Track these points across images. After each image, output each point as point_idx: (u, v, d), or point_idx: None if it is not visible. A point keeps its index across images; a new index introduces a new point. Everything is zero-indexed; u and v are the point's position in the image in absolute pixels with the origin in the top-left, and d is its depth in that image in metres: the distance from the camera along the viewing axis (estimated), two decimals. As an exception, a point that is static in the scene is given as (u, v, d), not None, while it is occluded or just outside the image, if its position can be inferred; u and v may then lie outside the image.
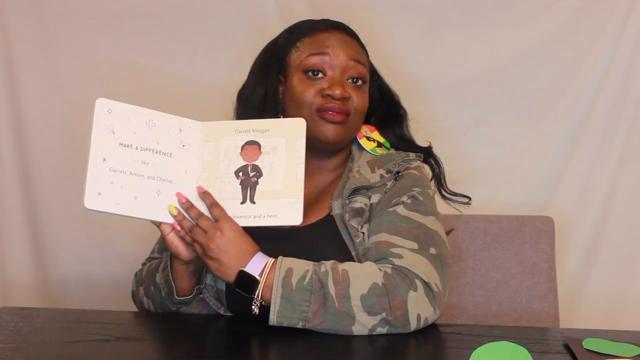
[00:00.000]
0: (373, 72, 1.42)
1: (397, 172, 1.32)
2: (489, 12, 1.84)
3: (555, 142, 1.84)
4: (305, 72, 1.33)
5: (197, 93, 1.92)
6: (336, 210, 1.29)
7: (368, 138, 1.39)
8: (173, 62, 1.92)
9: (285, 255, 1.20)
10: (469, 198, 1.42)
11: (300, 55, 1.35)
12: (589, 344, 1.07)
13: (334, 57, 1.33)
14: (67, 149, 1.93)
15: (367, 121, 1.41)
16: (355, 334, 1.15)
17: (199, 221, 1.19)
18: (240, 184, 1.22)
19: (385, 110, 1.43)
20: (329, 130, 1.31)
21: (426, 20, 1.85)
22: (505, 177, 1.85)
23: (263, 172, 1.22)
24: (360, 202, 1.29)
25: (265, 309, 1.17)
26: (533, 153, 1.86)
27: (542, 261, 1.62)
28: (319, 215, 1.31)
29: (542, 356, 1.05)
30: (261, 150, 1.22)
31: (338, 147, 1.36)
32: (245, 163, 1.22)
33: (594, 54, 1.81)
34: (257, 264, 1.18)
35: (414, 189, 1.29)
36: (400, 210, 1.26)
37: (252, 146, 1.22)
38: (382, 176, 1.32)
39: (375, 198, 1.30)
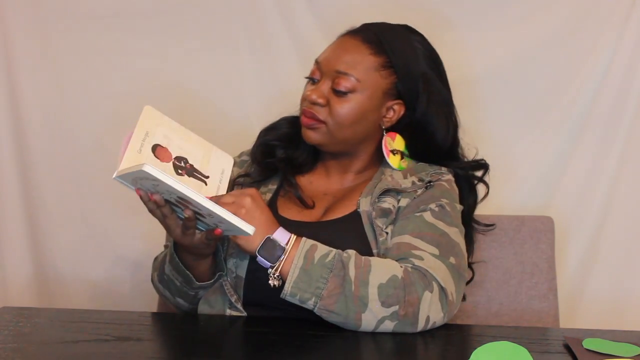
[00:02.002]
0: (406, 77, 1.36)
1: (429, 182, 1.34)
2: (488, 12, 1.84)
3: (555, 142, 1.84)
4: (309, 79, 1.39)
5: (197, 93, 1.92)
6: (363, 207, 1.31)
7: (393, 152, 1.39)
8: (173, 62, 1.92)
9: None
10: (493, 225, 1.52)
11: None
12: (589, 344, 1.07)
13: (323, 65, 1.36)
14: (66, 149, 1.93)
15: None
16: (362, 323, 1.15)
17: (223, 198, 1.19)
18: (189, 175, 1.21)
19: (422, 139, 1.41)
20: (303, 133, 1.37)
21: (426, 20, 1.84)
22: (505, 177, 1.85)
23: (185, 156, 1.22)
24: (389, 203, 1.32)
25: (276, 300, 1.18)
26: (533, 153, 1.85)
27: (542, 261, 1.62)
28: (344, 211, 1.34)
29: (542, 356, 1.05)
30: (163, 145, 1.21)
31: (329, 150, 1.39)
32: (170, 162, 1.20)
33: (594, 54, 1.81)
34: (282, 235, 1.19)
35: (442, 199, 1.32)
36: (427, 216, 1.28)
37: (157, 149, 1.20)
38: (413, 183, 1.35)
39: (403, 202, 1.32)
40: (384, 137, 1.39)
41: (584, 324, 1.79)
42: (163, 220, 1.18)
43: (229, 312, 1.30)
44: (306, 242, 1.19)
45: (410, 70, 1.36)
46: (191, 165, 1.21)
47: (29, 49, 1.92)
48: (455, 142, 1.43)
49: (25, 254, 1.94)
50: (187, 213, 1.15)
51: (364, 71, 1.33)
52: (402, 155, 1.41)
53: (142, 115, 1.21)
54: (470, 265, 1.46)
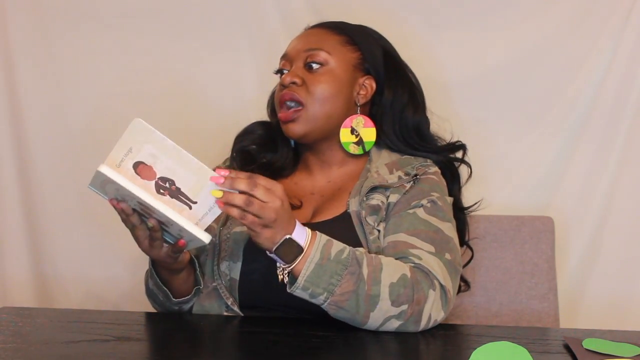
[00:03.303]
0: (371, 60, 1.42)
1: (415, 175, 1.34)
2: (488, 12, 1.84)
3: (555, 142, 1.84)
4: (278, 72, 1.43)
5: (197, 93, 1.92)
6: (353, 207, 1.31)
7: (353, 130, 1.38)
8: (173, 62, 1.92)
9: None
10: (479, 201, 1.49)
11: None
12: (589, 344, 1.07)
13: (291, 54, 1.40)
14: (66, 149, 1.93)
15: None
16: (369, 321, 1.15)
17: (256, 192, 1.11)
18: (172, 196, 1.13)
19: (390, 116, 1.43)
20: (286, 131, 1.37)
21: (426, 20, 1.85)
22: (505, 177, 1.85)
23: (172, 177, 1.12)
24: (377, 199, 1.31)
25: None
26: (533, 153, 1.85)
27: (542, 261, 1.62)
28: (334, 212, 1.33)
29: (542, 356, 1.05)
30: (148, 164, 1.12)
31: (311, 140, 1.39)
32: (153, 181, 1.12)
33: (594, 54, 1.81)
34: (300, 235, 1.15)
35: (432, 193, 1.32)
36: (420, 213, 1.28)
37: (140, 167, 1.12)
38: (400, 177, 1.34)
39: (393, 198, 1.32)
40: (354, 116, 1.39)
41: (584, 324, 1.79)
42: (132, 231, 1.19)
43: (226, 314, 1.30)
44: (322, 237, 1.16)
45: (370, 46, 1.43)
46: (177, 188, 1.12)
47: (29, 49, 1.93)
48: (425, 118, 1.46)
49: (25, 254, 1.94)
50: (151, 222, 1.14)
51: (333, 45, 1.39)
52: (361, 143, 1.39)
53: (129, 128, 1.10)
54: (467, 243, 1.48)
